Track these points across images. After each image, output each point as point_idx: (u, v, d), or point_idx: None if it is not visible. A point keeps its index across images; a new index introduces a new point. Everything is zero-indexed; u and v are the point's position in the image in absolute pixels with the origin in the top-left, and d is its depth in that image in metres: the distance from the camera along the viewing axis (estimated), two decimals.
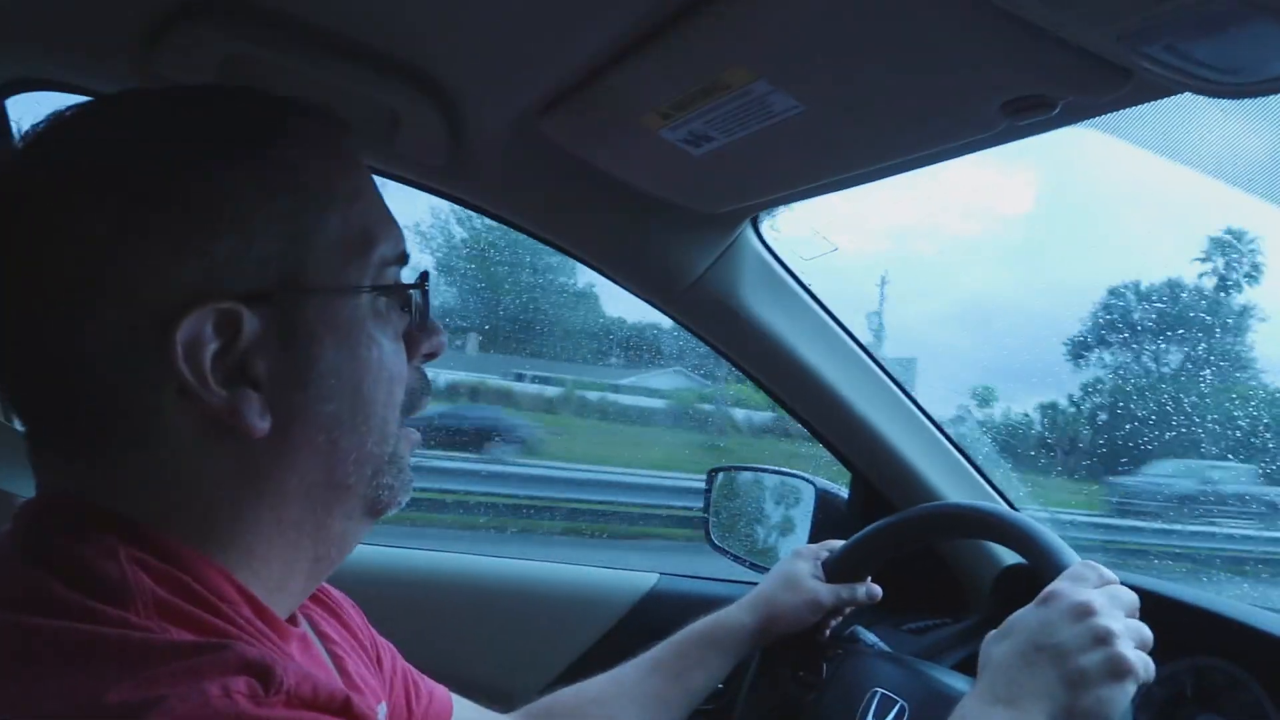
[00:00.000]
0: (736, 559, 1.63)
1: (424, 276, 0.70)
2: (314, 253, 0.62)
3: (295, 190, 0.62)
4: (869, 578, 1.18)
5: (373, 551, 1.53)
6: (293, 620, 0.70)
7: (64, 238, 0.57)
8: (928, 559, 1.50)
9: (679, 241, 1.29)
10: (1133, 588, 0.87)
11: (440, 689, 0.95)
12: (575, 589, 1.60)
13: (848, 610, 1.18)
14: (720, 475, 1.71)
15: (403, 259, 0.69)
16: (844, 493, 1.58)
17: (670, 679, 1.06)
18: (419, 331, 0.70)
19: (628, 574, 1.63)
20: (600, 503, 6.36)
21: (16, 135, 1.32)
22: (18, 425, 1.32)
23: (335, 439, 0.64)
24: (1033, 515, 1.06)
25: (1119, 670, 0.78)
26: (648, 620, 1.55)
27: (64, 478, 0.61)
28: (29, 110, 1.30)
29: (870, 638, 1.18)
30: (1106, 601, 0.82)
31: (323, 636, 0.78)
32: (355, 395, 0.64)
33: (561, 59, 0.95)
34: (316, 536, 0.66)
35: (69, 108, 0.63)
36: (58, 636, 0.51)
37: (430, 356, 0.72)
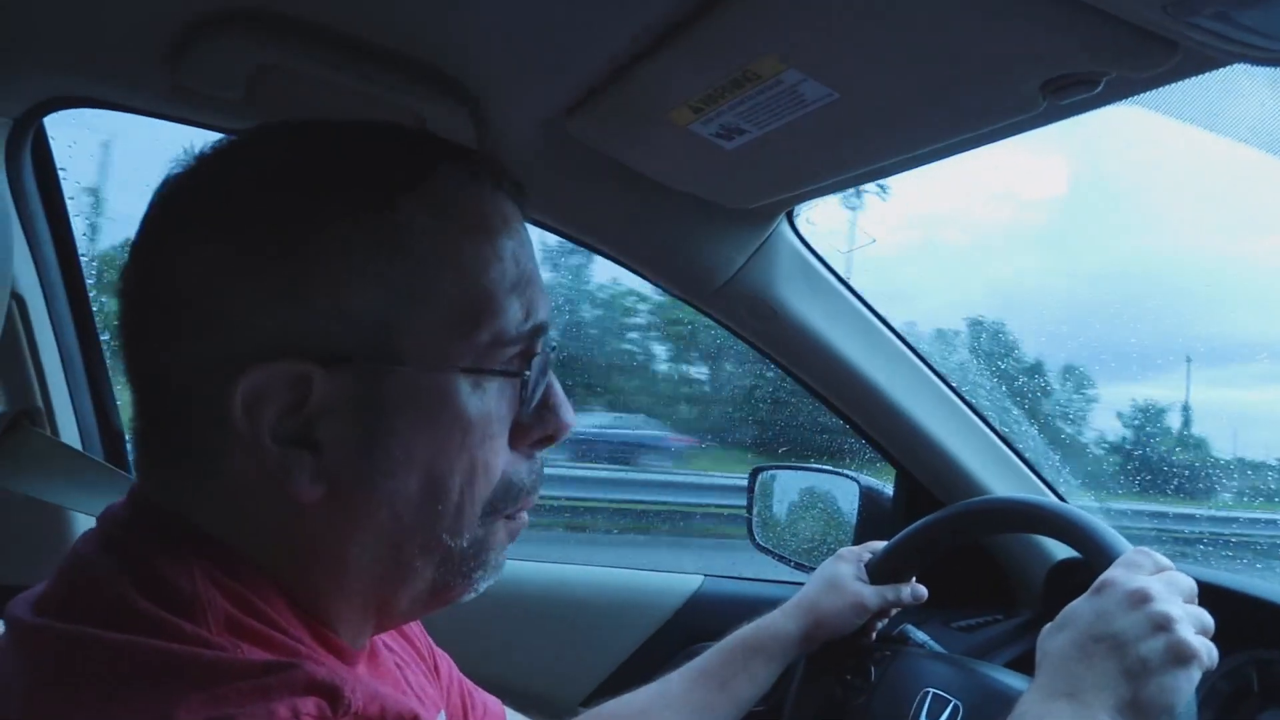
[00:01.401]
0: (781, 559, 1.61)
1: (535, 358, 0.63)
2: (413, 322, 0.58)
3: (409, 253, 0.58)
4: (914, 577, 1.15)
5: None
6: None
7: (174, 266, 0.58)
8: (976, 555, 1.47)
9: (713, 238, 1.28)
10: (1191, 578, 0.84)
11: (494, 701, 0.94)
12: (620, 593, 1.59)
13: (894, 611, 1.16)
14: (763, 474, 1.69)
15: (537, 332, 0.63)
16: (889, 490, 1.55)
17: (716, 688, 1.05)
18: (535, 415, 0.65)
19: (672, 576, 1.62)
20: (643, 503, 6.35)
21: (54, 153, 1.35)
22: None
23: (400, 518, 0.60)
24: (1083, 506, 1.03)
25: (1182, 656, 0.75)
26: (693, 623, 1.54)
27: (149, 480, 0.62)
28: (67, 127, 1.32)
29: (920, 637, 1.16)
30: (1163, 587, 0.79)
31: (383, 646, 0.77)
32: (428, 480, 0.60)
33: (588, 57, 0.94)
34: (380, 609, 0.64)
35: (227, 137, 0.64)
36: (132, 651, 0.51)
37: (547, 442, 0.67)
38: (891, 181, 1.07)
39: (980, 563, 1.47)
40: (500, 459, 0.63)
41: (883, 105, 0.86)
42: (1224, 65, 0.72)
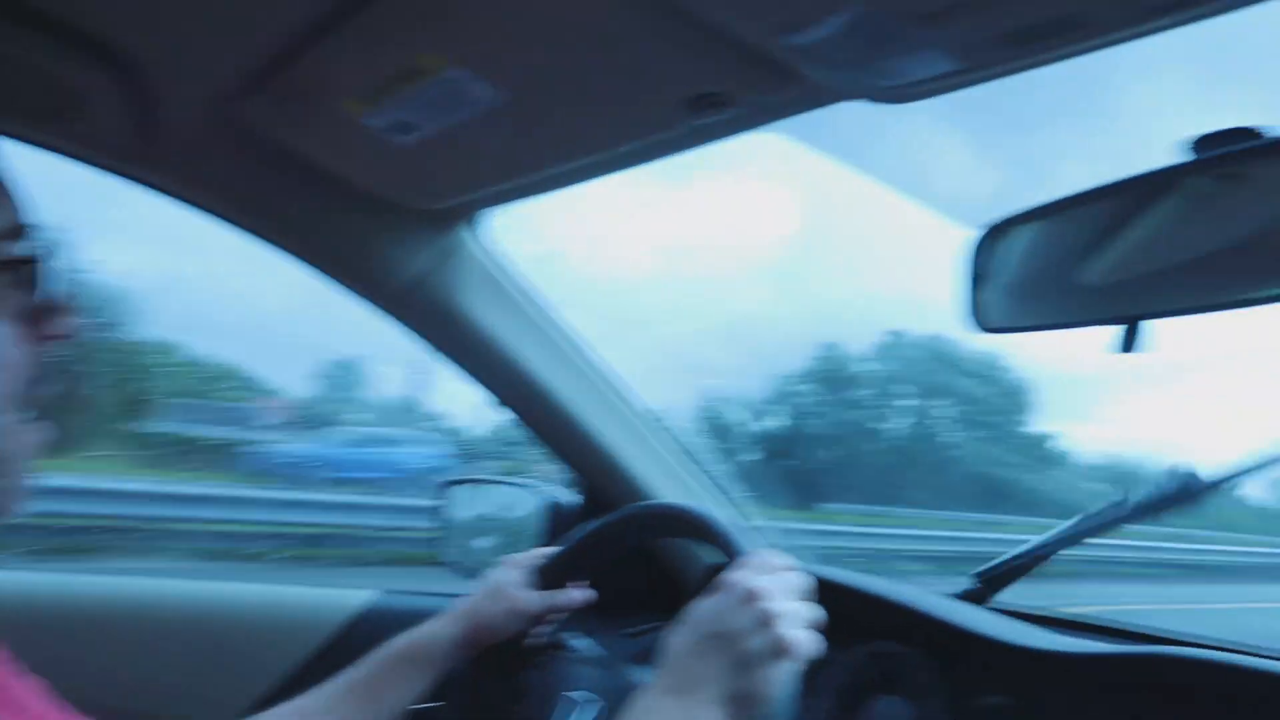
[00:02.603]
0: (468, 572, 1.59)
1: (30, 250, 0.62)
2: None
3: None
4: (587, 582, 1.17)
5: (31, 579, 1.35)
6: None
7: None
8: (652, 561, 1.52)
9: (394, 239, 1.25)
10: (814, 576, 0.91)
11: None
12: (272, 610, 1.47)
13: (561, 616, 1.17)
14: (451, 488, 1.67)
15: (17, 232, 0.61)
16: (579, 498, 1.58)
17: (364, 700, 1.00)
18: (40, 311, 0.62)
19: (338, 592, 1.52)
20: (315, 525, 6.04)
21: None
22: None
23: None
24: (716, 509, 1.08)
25: (781, 649, 0.80)
26: (362, 642, 1.44)
27: None
28: None
29: (579, 642, 1.17)
30: (774, 586, 0.85)
31: None
32: None
33: (256, 35, 0.89)
34: None
35: None
36: None
37: (55, 339, 0.64)
38: (630, 209, 1.09)
39: (656, 568, 1.52)
40: (15, 354, 0.61)
41: (546, 111, 0.88)
42: (848, 99, 0.78)
